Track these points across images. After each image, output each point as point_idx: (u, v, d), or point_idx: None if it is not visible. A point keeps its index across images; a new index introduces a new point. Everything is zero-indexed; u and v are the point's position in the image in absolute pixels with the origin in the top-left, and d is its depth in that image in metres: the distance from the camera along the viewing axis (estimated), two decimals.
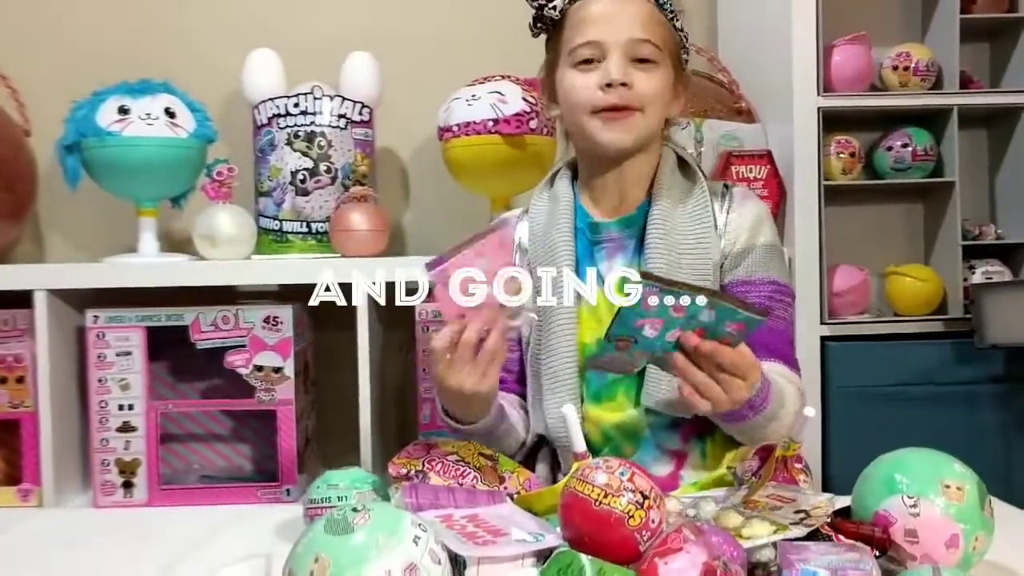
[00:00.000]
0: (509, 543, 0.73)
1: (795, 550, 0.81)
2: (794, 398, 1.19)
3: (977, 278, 2.01)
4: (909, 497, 0.85)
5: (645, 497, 0.74)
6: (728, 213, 1.29)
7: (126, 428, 1.86)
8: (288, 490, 1.85)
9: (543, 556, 0.71)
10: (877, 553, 0.84)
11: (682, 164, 1.33)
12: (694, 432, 1.23)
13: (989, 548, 0.87)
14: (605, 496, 0.73)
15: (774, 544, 0.85)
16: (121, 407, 1.86)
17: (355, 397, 1.88)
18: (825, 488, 1.70)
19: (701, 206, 1.28)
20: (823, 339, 1.94)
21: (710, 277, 1.24)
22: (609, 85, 1.20)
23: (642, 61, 1.22)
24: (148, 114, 1.88)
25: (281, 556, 0.70)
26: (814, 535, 0.89)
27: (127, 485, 1.86)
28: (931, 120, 2.06)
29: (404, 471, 0.93)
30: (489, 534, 0.75)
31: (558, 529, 0.77)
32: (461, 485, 0.93)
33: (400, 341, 2.08)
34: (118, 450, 1.86)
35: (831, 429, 1.89)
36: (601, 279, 1.23)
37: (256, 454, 2.10)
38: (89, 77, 1.97)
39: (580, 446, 0.86)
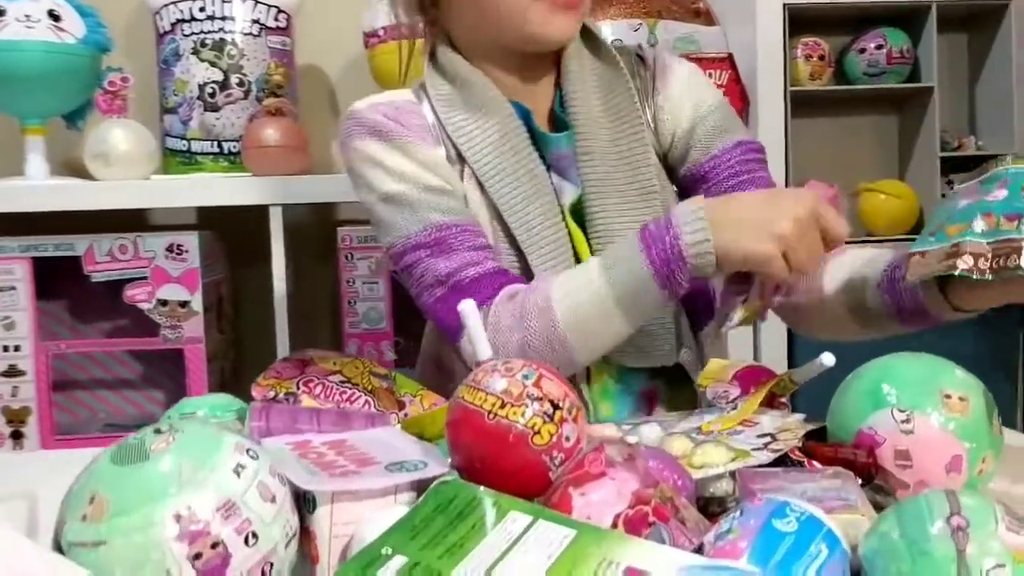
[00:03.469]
0: (377, 473, 0.54)
1: (758, 478, 0.63)
2: None
3: None
4: (900, 411, 0.68)
5: (556, 407, 0.55)
6: (653, 95, 1.06)
7: (12, 372, 1.66)
8: None
9: (423, 489, 0.53)
10: (860, 481, 0.67)
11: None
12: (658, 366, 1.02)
13: (996, 472, 0.70)
14: (502, 407, 0.54)
15: (732, 474, 0.68)
16: (6, 348, 1.66)
17: (274, 336, 1.70)
18: None
19: (628, 98, 1.03)
20: None
21: (653, 182, 1.01)
22: None
23: None
24: (27, 16, 1.65)
25: (55, 497, 0.51)
26: (782, 462, 0.72)
27: (16, 435, 1.67)
28: (908, 20, 1.91)
29: (272, 394, 0.74)
30: (354, 463, 0.56)
31: (447, 458, 0.58)
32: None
33: (325, 272, 1.88)
34: (4, 397, 1.66)
35: (798, 358, 1.75)
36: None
37: (169, 399, 1.91)
38: None
39: (485, 351, 0.67)
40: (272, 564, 0.50)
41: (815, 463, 0.71)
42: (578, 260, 0.99)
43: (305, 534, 0.53)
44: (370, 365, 0.80)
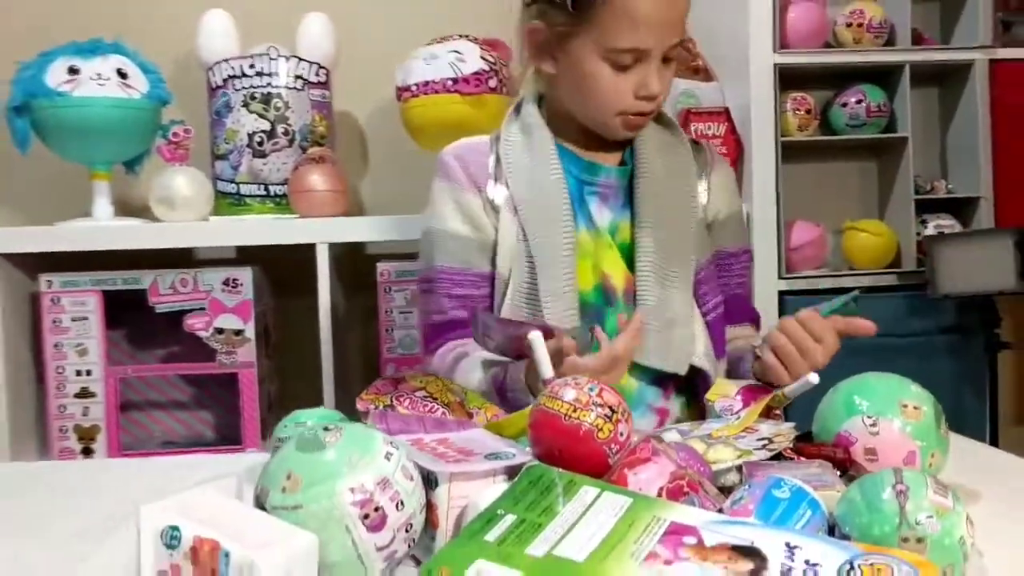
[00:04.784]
0: (480, 460, 0.73)
1: (759, 468, 0.83)
2: None
3: (929, 231, 2.05)
4: (868, 417, 0.87)
5: (613, 411, 0.74)
6: (710, 175, 1.29)
7: (84, 394, 1.84)
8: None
9: (514, 472, 0.72)
10: (839, 472, 0.86)
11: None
12: (675, 389, 1.24)
13: (944, 466, 0.89)
14: (574, 411, 0.73)
15: (738, 468, 0.87)
16: (79, 373, 1.84)
17: (318, 361, 1.88)
18: None
19: (685, 161, 1.28)
20: (781, 293, 1.97)
21: (692, 231, 1.24)
22: (646, 97, 1.14)
23: (668, 60, 1.16)
24: (99, 75, 1.85)
25: (251, 477, 0.70)
26: (777, 458, 0.91)
27: (86, 451, 1.84)
28: (884, 77, 2.09)
29: (372, 407, 0.93)
30: (460, 454, 0.75)
31: (528, 449, 0.77)
32: None
33: (362, 302, 2.07)
34: (76, 416, 1.84)
35: None
36: (594, 223, 1.22)
37: (218, 420, 2.09)
38: (35, 38, 1.93)
39: (549, 372, 0.87)
40: (412, 524, 0.69)
41: (803, 458, 0.90)
42: (594, 274, 1.20)
43: (428, 505, 0.72)
44: (447, 383, 1.00)
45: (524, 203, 1.21)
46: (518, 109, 1.29)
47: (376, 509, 0.66)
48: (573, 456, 0.72)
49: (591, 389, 0.75)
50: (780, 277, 1.98)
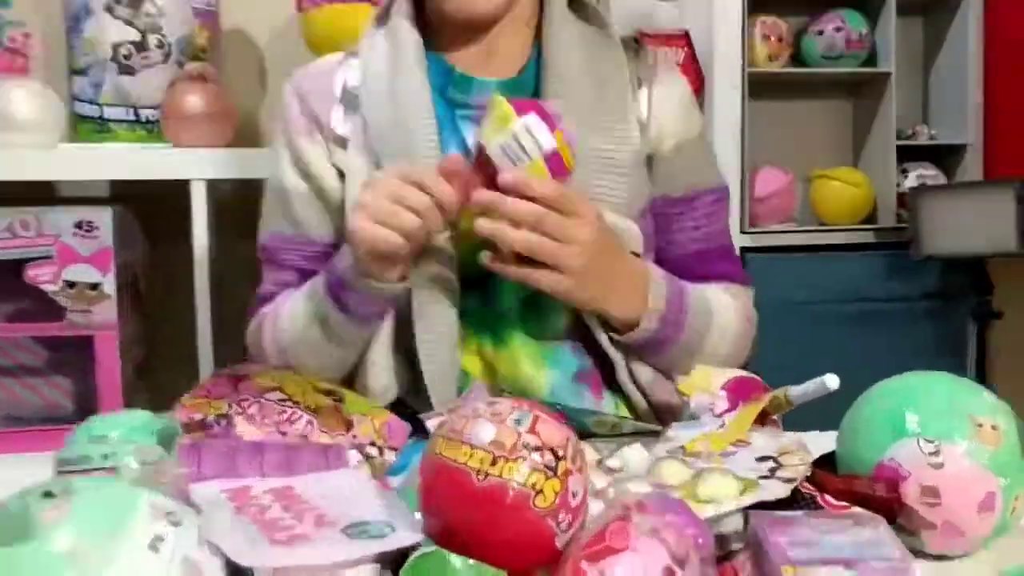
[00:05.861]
0: (332, 540, 0.43)
1: (780, 527, 0.54)
2: (727, 315, 1.00)
3: (911, 182, 1.82)
4: (928, 441, 0.60)
5: (558, 457, 0.44)
6: (651, 86, 0.98)
7: None
8: None
9: (393, 560, 0.42)
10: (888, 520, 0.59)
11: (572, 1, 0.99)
12: (604, 383, 0.96)
13: None
14: (493, 463, 0.43)
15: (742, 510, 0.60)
16: None
17: (194, 319, 1.61)
18: None
19: (615, 66, 0.97)
20: (743, 250, 1.74)
21: (627, 164, 0.94)
22: None
23: None
24: None
25: None
26: (792, 499, 0.63)
27: None
28: (865, 2, 1.84)
29: (200, 416, 0.63)
30: (302, 523, 0.45)
31: (417, 515, 0.47)
32: (285, 435, 0.63)
33: (250, 252, 1.77)
34: None
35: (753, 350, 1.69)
36: (469, 151, 0.91)
37: (77, 390, 1.76)
38: None
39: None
40: None
41: (828, 498, 0.63)
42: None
43: None
44: (313, 381, 0.69)
45: (379, 135, 0.94)
46: (387, 12, 0.99)
47: None
48: (493, 539, 0.42)
49: (519, 420, 0.44)
50: (743, 232, 1.75)
